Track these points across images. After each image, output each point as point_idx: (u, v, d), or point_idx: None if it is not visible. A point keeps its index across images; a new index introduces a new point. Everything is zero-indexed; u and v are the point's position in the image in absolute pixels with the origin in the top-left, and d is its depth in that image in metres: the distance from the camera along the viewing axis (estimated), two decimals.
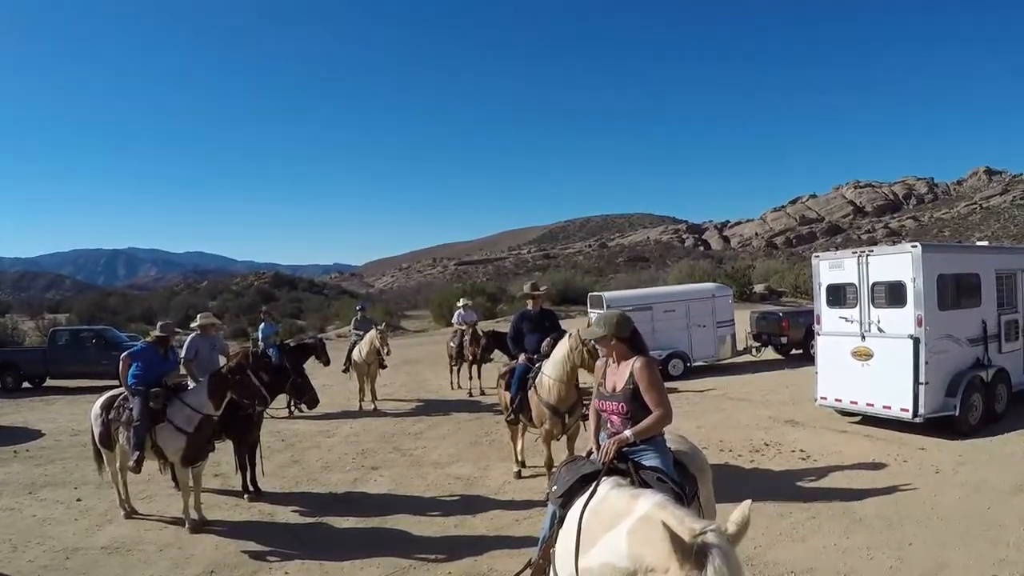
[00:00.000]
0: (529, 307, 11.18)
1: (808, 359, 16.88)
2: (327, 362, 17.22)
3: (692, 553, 3.35)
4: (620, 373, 5.31)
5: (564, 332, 10.64)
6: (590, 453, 5.31)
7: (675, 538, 3.37)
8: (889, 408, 12.42)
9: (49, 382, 25.60)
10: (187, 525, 9.37)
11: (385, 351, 17.93)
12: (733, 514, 3.62)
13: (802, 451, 11.85)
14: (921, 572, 7.09)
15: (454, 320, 22.03)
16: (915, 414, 11.98)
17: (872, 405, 12.75)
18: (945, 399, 12.14)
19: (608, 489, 4.48)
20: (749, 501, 3.69)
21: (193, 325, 11.50)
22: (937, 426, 12.17)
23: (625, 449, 5.04)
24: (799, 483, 10.19)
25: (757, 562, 7.44)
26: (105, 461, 10.12)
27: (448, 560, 8.07)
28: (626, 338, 5.32)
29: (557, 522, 4.88)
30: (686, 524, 3.57)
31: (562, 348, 9.54)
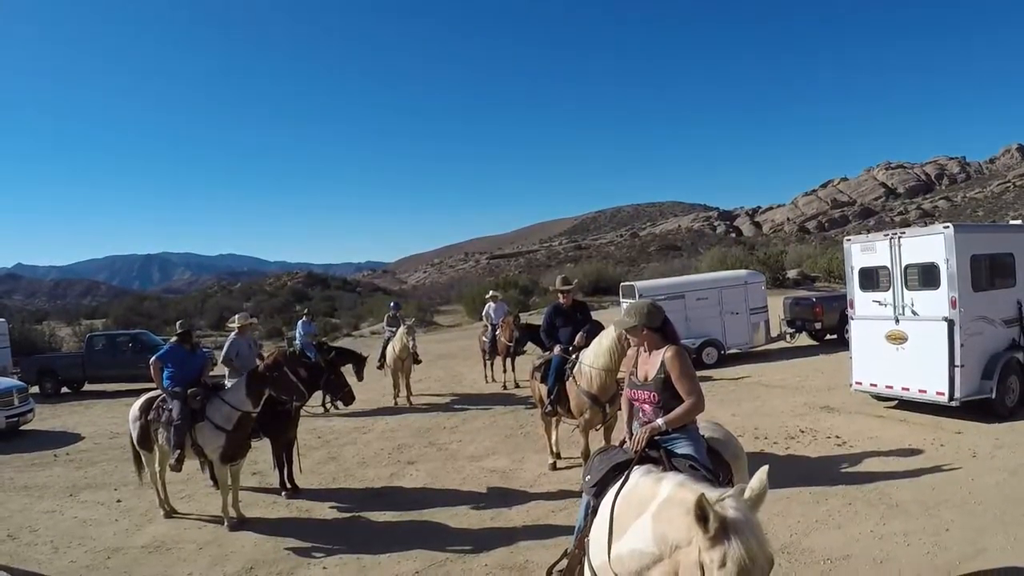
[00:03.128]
0: (561, 300, 11.18)
1: (843, 344, 16.78)
2: (361, 377, 17.34)
3: (713, 521, 3.35)
4: (651, 362, 5.32)
5: (597, 323, 10.69)
6: (623, 442, 5.33)
7: (693, 509, 3.39)
8: (924, 392, 12.32)
9: (87, 386, 25.94)
10: (226, 523, 9.48)
11: (411, 346, 18.04)
12: (752, 480, 3.62)
13: (838, 437, 11.79)
14: (959, 557, 7.03)
15: (484, 314, 22.03)
16: (951, 397, 11.88)
17: (907, 389, 12.65)
18: (981, 382, 12.03)
19: (639, 477, 4.49)
20: (766, 467, 3.67)
21: (232, 325, 11.66)
22: (973, 409, 12.06)
23: (657, 437, 5.05)
24: (835, 469, 10.14)
25: (793, 549, 7.43)
26: (144, 462, 10.26)
27: (484, 552, 8.12)
28: (657, 328, 5.32)
29: (591, 512, 4.90)
30: (705, 495, 3.58)
31: (609, 337, 9.50)
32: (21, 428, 17.40)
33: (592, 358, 9.76)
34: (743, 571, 3.28)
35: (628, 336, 5.56)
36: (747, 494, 3.57)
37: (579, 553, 5.08)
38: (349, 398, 11.69)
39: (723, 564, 3.31)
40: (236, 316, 11.89)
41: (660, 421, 5.05)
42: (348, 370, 16.66)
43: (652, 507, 3.93)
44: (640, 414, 5.36)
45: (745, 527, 3.39)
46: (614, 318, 8.28)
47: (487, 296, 23.22)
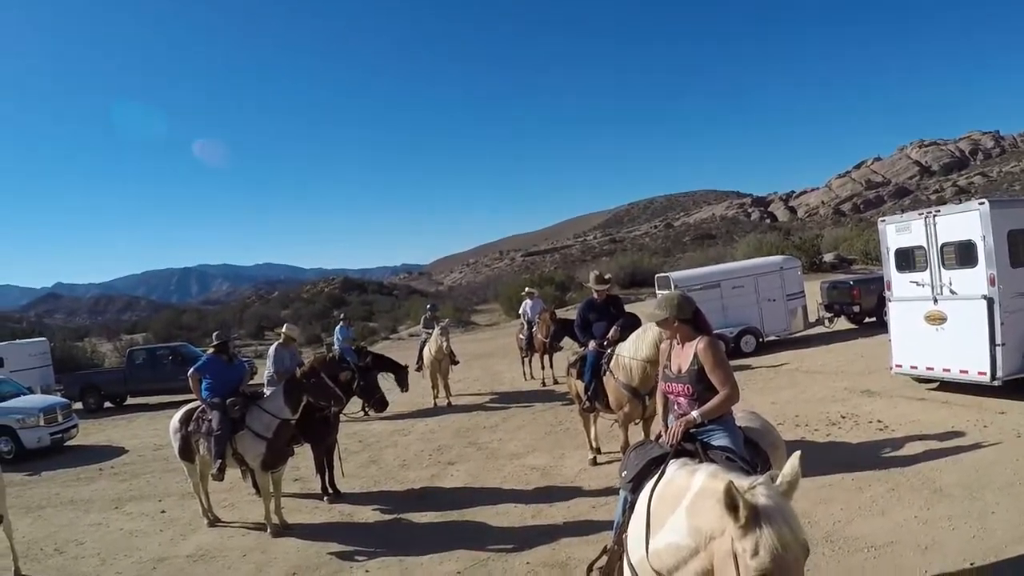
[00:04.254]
0: (595, 296, 11.13)
1: (882, 327, 16.60)
2: (405, 388, 16.69)
3: (743, 509, 3.34)
4: (684, 354, 5.30)
5: (632, 316, 10.67)
6: (659, 436, 5.30)
7: (723, 498, 3.38)
8: (966, 372, 12.16)
9: (130, 400, 26.33)
10: (269, 530, 9.56)
11: (445, 347, 18.10)
12: (784, 467, 3.62)
13: (879, 421, 11.67)
14: (1005, 540, 6.93)
15: (521, 311, 21.99)
16: (993, 377, 11.70)
17: (948, 370, 12.50)
18: (1023, 360, 11.86)
19: (674, 471, 4.46)
20: (798, 452, 3.67)
21: (280, 331, 11.98)
22: (1017, 388, 11.81)
23: (693, 430, 5.04)
24: (877, 455, 10.03)
25: (836, 537, 7.36)
26: (186, 472, 10.36)
27: (526, 550, 8.13)
28: (688, 319, 5.30)
29: (628, 507, 4.88)
30: (733, 483, 3.56)
31: (655, 329, 9.32)
32: (66, 444, 17.67)
33: (634, 350, 9.72)
34: (776, 559, 3.27)
35: (660, 328, 5.53)
36: (778, 480, 3.56)
37: (619, 549, 5.06)
38: (380, 405, 11.73)
39: (756, 553, 3.30)
40: (286, 326, 12.05)
41: (695, 413, 5.03)
42: (390, 379, 16.70)
43: (686, 500, 3.92)
44: (675, 407, 5.33)
45: (777, 514, 3.37)
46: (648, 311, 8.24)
47: (523, 293, 23.16)
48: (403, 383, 16.29)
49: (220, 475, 9.67)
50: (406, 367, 16.30)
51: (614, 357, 10.09)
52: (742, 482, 3.55)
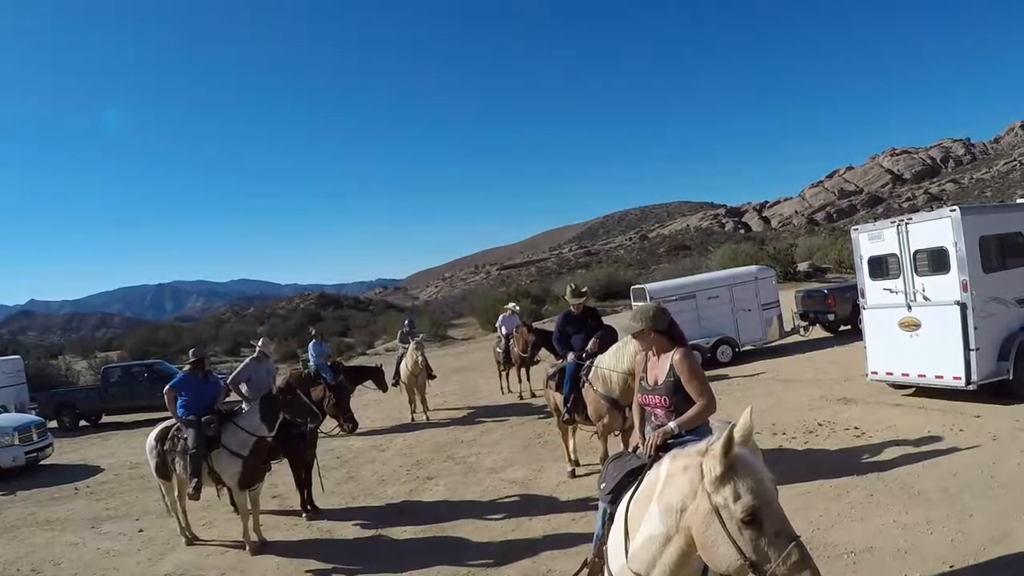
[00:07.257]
0: (572, 309, 11.14)
1: (857, 334, 16.68)
2: (385, 388, 17.37)
3: (733, 449, 3.51)
4: (660, 366, 5.30)
5: (609, 328, 10.68)
6: (636, 448, 5.30)
7: (724, 443, 3.48)
8: (941, 377, 12.25)
9: (105, 418, 26.12)
10: (247, 548, 9.47)
11: (421, 362, 18.11)
12: (738, 420, 3.70)
13: (856, 428, 11.72)
14: (983, 543, 6.96)
15: (497, 324, 21.97)
16: (968, 381, 11.80)
17: (924, 376, 12.58)
18: (998, 363, 11.92)
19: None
20: (750, 407, 3.80)
21: (257, 344, 11.66)
22: (991, 392, 11.96)
23: (670, 441, 5.02)
24: (855, 461, 10.07)
25: (816, 544, 7.34)
26: (163, 491, 10.27)
27: (507, 564, 8.11)
28: (663, 331, 5.30)
29: (608, 519, 4.87)
30: (695, 451, 3.73)
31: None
32: (41, 463, 17.47)
33: (615, 362, 9.73)
34: (758, 494, 3.43)
35: (635, 340, 5.53)
36: (736, 433, 3.66)
37: (599, 562, 5.06)
38: (351, 424, 11.74)
39: (738, 496, 3.43)
40: (262, 340, 11.92)
41: (672, 424, 5.03)
42: (368, 392, 16.75)
43: (656, 491, 3.94)
44: (652, 418, 5.34)
45: (745, 457, 3.56)
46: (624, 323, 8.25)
47: (508, 308, 23.08)
48: (381, 384, 16.68)
49: (196, 494, 9.58)
50: (379, 367, 16.64)
51: (593, 368, 10.11)
52: (700, 445, 3.72)
